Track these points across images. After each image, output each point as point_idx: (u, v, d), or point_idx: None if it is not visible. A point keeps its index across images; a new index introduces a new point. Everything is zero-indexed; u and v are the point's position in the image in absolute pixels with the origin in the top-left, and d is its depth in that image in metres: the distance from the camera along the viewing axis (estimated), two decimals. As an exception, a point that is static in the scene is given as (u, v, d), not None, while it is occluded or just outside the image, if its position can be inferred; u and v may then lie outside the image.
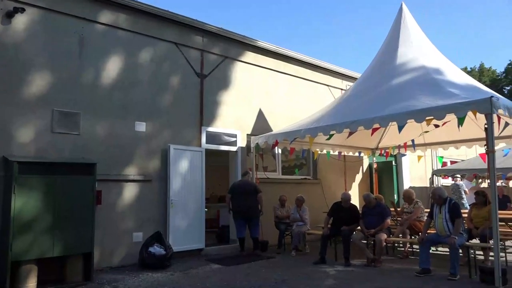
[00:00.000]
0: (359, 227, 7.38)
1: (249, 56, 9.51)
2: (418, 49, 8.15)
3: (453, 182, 12.44)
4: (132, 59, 7.60)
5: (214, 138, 8.68)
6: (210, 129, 8.60)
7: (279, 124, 9.71)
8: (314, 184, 10.53)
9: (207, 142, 8.49)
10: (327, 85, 11.31)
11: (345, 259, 6.93)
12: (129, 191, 7.28)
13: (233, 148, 9.06)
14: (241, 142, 9.14)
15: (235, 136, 9.06)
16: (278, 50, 9.96)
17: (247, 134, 9.28)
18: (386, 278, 5.97)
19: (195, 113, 8.39)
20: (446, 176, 13.43)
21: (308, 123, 8.13)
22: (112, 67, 7.32)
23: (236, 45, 9.24)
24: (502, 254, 6.24)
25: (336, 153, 10.38)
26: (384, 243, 7.07)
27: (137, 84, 7.61)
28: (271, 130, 9.42)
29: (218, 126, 8.76)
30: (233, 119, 9.04)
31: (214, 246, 8.57)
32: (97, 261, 6.47)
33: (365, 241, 7.39)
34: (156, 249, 6.80)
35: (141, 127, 7.55)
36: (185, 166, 7.94)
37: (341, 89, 11.49)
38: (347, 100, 8.34)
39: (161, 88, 7.93)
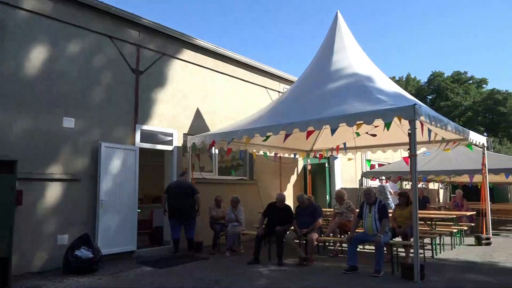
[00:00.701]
0: (293, 227, 7.55)
1: (188, 54, 9.36)
2: (351, 57, 8.53)
3: (379, 184, 13.22)
4: (60, 50, 7.14)
5: (149, 136, 8.42)
6: (145, 127, 8.33)
7: (216, 124, 9.66)
8: (250, 184, 10.61)
9: (141, 141, 8.21)
10: (265, 87, 11.47)
11: (279, 259, 7.05)
12: (54, 191, 6.82)
13: (169, 148, 8.85)
14: (178, 141, 8.97)
15: (171, 135, 8.86)
16: (217, 49, 9.90)
17: (184, 134, 9.12)
18: (317, 276, 6.17)
19: (129, 110, 8.08)
20: (374, 178, 14.24)
21: (245, 124, 8.17)
22: (37, 57, 6.82)
23: (174, 42, 9.05)
24: (421, 251, 6.72)
25: (273, 154, 10.56)
26: (316, 242, 7.30)
27: (66, 77, 7.16)
28: (209, 130, 9.35)
29: (154, 125, 8.51)
30: (169, 118, 8.83)
31: (146, 248, 8.30)
32: (16, 266, 5.98)
33: (297, 241, 7.58)
34: (83, 252, 6.43)
35: (69, 123, 7.12)
36: (117, 165, 7.61)
37: (279, 92, 11.71)
38: (284, 103, 8.51)
39: (92, 82, 7.54)
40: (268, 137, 7.55)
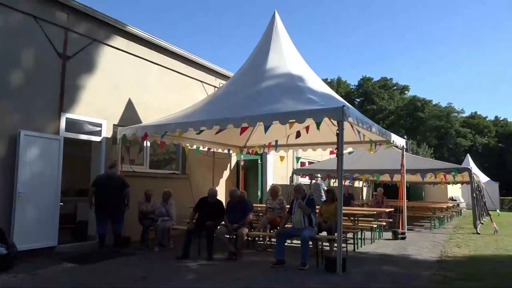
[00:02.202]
0: (223, 222, 7.58)
1: (121, 42, 8.98)
2: (287, 57, 8.73)
3: (314, 181, 13.76)
4: (-24, 27, 6.50)
5: (75, 126, 7.97)
6: (71, 116, 7.87)
7: (150, 116, 9.38)
8: (182, 179, 10.47)
9: (66, 130, 7.75)
10: (201, 81, 11.36)
11: (208, 254, 7.05)
12: (-36, 182, 6.22)
13: (97, 138, 8.44)
14: (107, 132, 8.58)
15: (100, 125, 8.45)
16: (152, 39, 9.61)
17: (114, 124, 8.75)
18: (245, 270, 6.26)
19: (54, 97, 7.58)
20: (304, 175, 14.76)
21: (179, 117, 8.05)
22: None
23: (106, 28, 8.63)
24: (344, 245, 7.10)
25: (206, 149, 10.50)
26: (246, 237, 7.40)
27: (-18, 57, 6.54)
28: (141, 122, 9.07)
29: (81, 114, 8.07)
30: (99, 107, 8.42)
31: (69, 243, 7.85)
32: None
33: (228, 236, 7.63)
34: (-4, 248, 5.94)
35: (-17, 107, 6.52)
36: (38, 155, 7.10)
37: (214, 87, 11.66)
38: (219, 98, 8.51)
39: (13, 65, 6.96)
40: (201, 131, 7.50)
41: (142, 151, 9.75)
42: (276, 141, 9.94)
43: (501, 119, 54.58)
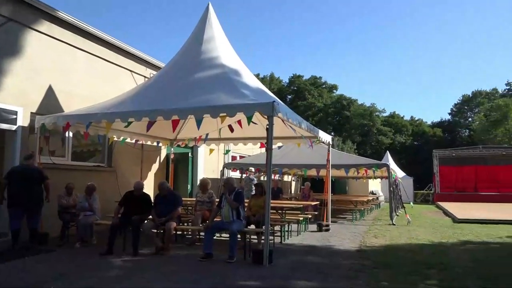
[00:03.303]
0: (151, 216, 7.40)
1: (43, 24, 8.33)
2: (220, 50, 8.69)
3: (246, 175, 13.91)
4: None
5: (-14, 113, 7.28)
6: (-18, 101, 7.17)
7: (73, 105, 8.83)
8: (107, 172, 10.03)
9: (-25, 117, 7.05)
10: (131, 71, 10.92)
11: (134, 249, 6.83)
12: None
13: (12, 127, 7.78)
14: (23, 120, 7.94)
15: (15, 113, 7.79)
16: (78, 24, 9.04)
17: (32, 112, 8.12)
18: (172, 265, 6.17)
19: (-39, 80, 6.86)
20: (235, 169, 14.88)
21: (105, 107, 7.68)
22: None
23: (26, 9, 7.96)
24: (271, 237, 7.28)
25: (133, 141, 10.15)
26: (174, 232, 7.29)
27: None
28: (63, 111, 8.51)
29: (-7, 99, 7.39)
30: (14, 93, 7.75)
31: (-24, 241, 7.19)
32: None
33: (155, 230, 7.46)
34: None
35: None
36: None
37: (145, 77, 11.29)
38: (149, 89, 8.25)
39: None
40: (130, 123, 7.23)
41: (64, 142, 9.16)
42: (207, 134, 9.88)
43: (416, 119, 59.31)
